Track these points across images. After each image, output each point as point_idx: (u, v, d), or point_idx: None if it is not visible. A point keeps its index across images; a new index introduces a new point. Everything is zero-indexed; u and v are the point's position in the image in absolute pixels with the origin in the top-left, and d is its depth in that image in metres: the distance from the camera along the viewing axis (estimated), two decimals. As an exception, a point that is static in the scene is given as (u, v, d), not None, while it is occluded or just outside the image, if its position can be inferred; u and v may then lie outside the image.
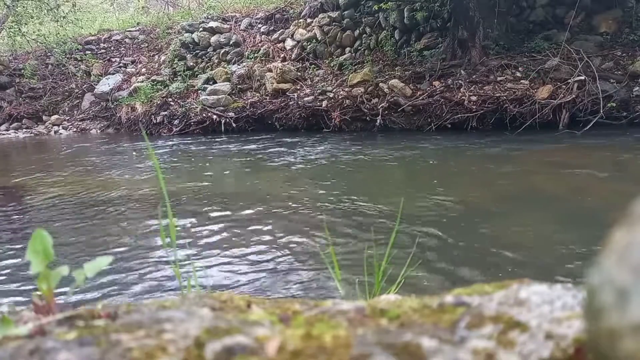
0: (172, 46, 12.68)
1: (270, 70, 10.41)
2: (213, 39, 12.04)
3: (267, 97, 10.07)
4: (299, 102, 9.51)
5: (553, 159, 5.35)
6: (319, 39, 10.70)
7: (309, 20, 11.19)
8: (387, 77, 8.98)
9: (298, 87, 10.03)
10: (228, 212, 3.94)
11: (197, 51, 12.17)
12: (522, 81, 7.85)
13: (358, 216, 3.63)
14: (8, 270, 2.91)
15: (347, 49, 10.48)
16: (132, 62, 13.70)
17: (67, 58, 13.91)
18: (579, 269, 2.44)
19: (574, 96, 7.26)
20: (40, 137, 12.29)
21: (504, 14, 8.82)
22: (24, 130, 13.04)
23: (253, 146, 7.93)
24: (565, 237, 2.92)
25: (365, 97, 8.89)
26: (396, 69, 9.27)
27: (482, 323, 0.42)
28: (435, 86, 8.42)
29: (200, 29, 12.26)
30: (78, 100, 13.49)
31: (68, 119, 13.23)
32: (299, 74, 10.35)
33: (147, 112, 11.08)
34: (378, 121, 8.58)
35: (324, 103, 9.22)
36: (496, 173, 4.92)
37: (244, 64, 10.98)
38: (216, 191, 4.72)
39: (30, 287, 2.61)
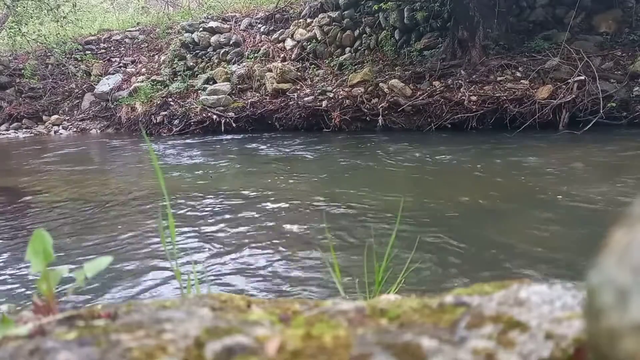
0: (172, 46, 12.69)
1: (270, 70, 10.41)
2: (213, 39, 12.04)
3: (267, 97, 10.07)
4: (299, 102, 9.50)
5: (553, 159, 5.35)
6: (319, 39, 10.70)
7: (309, 20, 11.19)
8: (387, 77, 8.98)
9: (298, 87, 10.03)
10: (228, 212, 3.94)
11: (197, 51, 12.16)
12: (522, 81, 7.85)
13: (358, 216, 3.63)
14: (8, 270, 2.91)
15: (347, 49, 10.48)
16: (132, 62, 13.70)
17: (67, 58, 13.90)
18: (580, 268, 2.44)
19: (574, 96, 7.26)
20: (40, 137, 12.29)
21: (504, 14, 8.82)
22: (24, 130, 13.04)
23: (253, 146, 7.93)
24: (565, 237, 2.92)
25: (365, 97, 8.89)
26: (396, 69, 9.27)
27: (482, 323, 0.42)
28: (435, 86, 8.42)
29: (200, 29, 12.26)
30: (78, 100, 13.49)
31: (68, 119, 13.23)
32: (299, 74, 10.34)
33: (147, 112, 11.08)
34: (379, 121, 8.58)
35: (324, 103, 9.22)
36: (496, 173, 4.92)
37: (244, 64, 10.98)
38: (216, 191, 4.72)
39: (31, 287, 2.61)
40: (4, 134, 12.78)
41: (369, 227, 3.33)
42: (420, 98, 8.33)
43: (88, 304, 2.30)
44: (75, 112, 13.39)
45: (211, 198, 4.47)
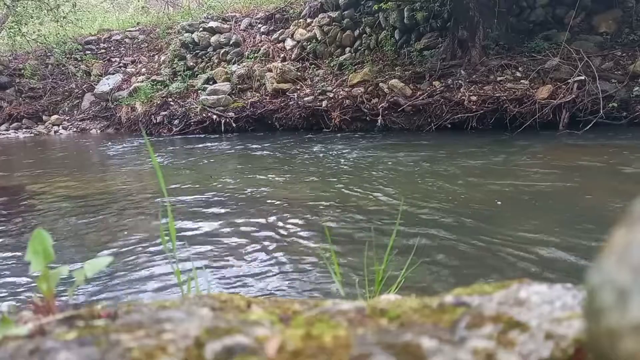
0: (172, 46, 12.69)
1: (270, 70, 10.41)
2: (213, 39, 12.04)
3: (267, 97, 10.08)
4: (299, 102, 9.51)
5: (553, 159, 5.35)
6: (319, 39, 10.70)
7: (309, 20, 11.19)
8: (387, 77, 8.98)
9: (298, 87, 10.03)
10: (228, 212, 3.94)
11: (197, 51, 12.17)
12: (522, 81, 7.85)
13: (358, 216, 3.63)
14: (8, 271, 2.91)
15: (347, 49, 10.49)
16: (132, 62, 13.70)
17: (67, 58, 13.91)
18: (580, 268, 2.44)
19: (574, 96, 7.26)
20: (40, 137, 12.29)
21: (504, 14, 8.82)
22: (24, 130, 13.05)
23: (253, 146, 7.93)
24: (565, 237, 2.92)
25: (365, 97, 8.89)
26: (396, 69, 9.27)
27: (482, 323, 0.42)
28: (435, 86, 8.42)
29: (200, 29, 12.26)
30: (78, 100, 13.50)
31: (68, 119, 13.23)
32: (299, 74, 10.35)
33: (147, 112, 11.08)
34: (379, 121, 8.58)
35: (324, 103, 9.22)
36: (496, 173, 4.92)
37: (244, 64, 10.99)
38: (216, 191, 4.72)
39: (30, 287, 2.61)
40: (3, 134, 12.78)
41: (368, 227, 3.33)
42: (420, 98, 8.33)
43: (88, 304, 2.30)
44: (75, 112, 13.40)
45: (211, 198, 4.47)
